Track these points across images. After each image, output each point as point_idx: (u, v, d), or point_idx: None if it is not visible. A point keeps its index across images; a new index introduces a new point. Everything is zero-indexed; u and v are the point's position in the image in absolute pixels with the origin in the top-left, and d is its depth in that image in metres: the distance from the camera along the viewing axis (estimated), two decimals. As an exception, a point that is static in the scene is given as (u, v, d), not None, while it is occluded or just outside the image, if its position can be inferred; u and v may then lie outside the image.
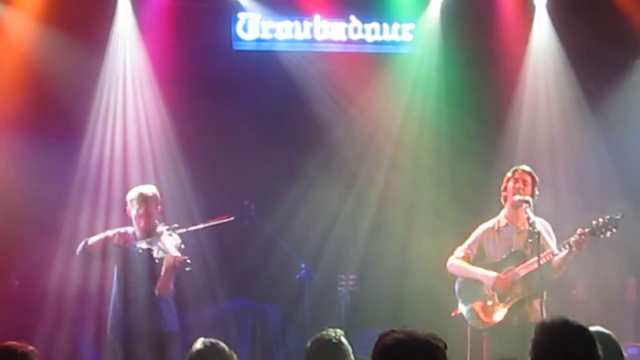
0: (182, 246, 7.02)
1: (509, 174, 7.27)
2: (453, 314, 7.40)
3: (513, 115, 9.49)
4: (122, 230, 7.07)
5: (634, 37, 9.45)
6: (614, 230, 7.00)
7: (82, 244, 7.08)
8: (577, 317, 3.93)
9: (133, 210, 7.06)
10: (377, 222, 9.32)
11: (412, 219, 9.33)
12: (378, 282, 9.05)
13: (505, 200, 7.30)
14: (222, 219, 7.28)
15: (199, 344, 4.91)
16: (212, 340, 4.94)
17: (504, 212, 7.33)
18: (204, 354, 4.86)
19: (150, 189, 7.15)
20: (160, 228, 7.05)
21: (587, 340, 3.69)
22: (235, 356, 4.92)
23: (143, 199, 7.04)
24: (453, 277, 7.40)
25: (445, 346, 3.37)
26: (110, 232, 7.09)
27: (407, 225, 9.31)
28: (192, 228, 7.18)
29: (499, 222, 7.33)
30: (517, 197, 7.12)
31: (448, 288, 7.53)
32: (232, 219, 7.31)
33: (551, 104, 9.56)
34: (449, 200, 9.28)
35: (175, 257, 6.89)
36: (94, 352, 8.43)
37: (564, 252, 6.99)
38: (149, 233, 7.02)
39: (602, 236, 7.03)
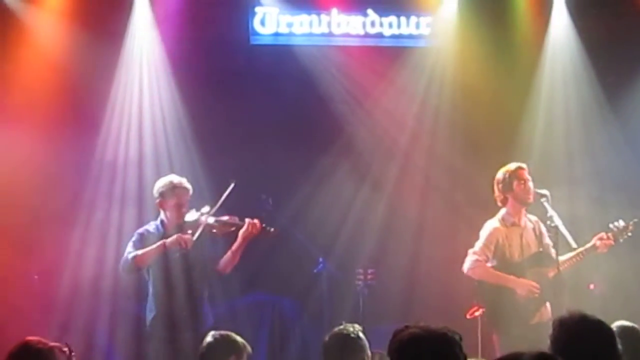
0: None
1: (511, 171, 7.20)
2: (469, 316, 7.36)
3: (530, 109, 9.43)
4: (180, 235, 6.86)
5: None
6: (630, 234, 7.25)
7: (128, 262, 6.85)
8: (594, 311, 3.92)
9: (166, 200, 6.97)
10: (394, 215, 9.30)
11: (427, 214, 9.31)
12: (395, 277, 9.03)
13: (506, 199, 7.23)
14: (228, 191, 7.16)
15: (209, 337, 4.93)
16: (223, 332, 4.96)
17: (506, 210, 7.25)
18: (213, 347, 4.88)
19: (178, 178, 7.08)
20: (192, 215, 7.00)
21: (606, 335, 3.68)
22: (248, 348, 4.93)
23: (174, 187, 6.98)
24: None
25: (461, 338, 3.38)
26: (166, 241, 6.87)
27: (423, 220, 9.29)
28: (217, 205, 7.03)
29: (504, 219, 7.25)
30: (538, 191, 7.11)
31: (462, 284, 7.52)
32: (233, 184, 7.16)
33: (569, 98, 9.48)
34: (463, 194, 9.26)
35: (251, 223, 6.88)
36: (109, 345, 8.47)
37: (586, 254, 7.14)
38: (180, 224, 6.96)
39: (620, 240, 7.26)
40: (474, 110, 9.29)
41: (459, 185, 9.33)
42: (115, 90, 8.79)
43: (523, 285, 7.07)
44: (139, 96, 8.88)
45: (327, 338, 4.75)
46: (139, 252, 6.87)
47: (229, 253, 7.03)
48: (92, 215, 8.53)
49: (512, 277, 7.11)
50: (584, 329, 3.69)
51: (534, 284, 7.06)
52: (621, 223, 7.25)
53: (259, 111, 8.99)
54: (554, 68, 9.49)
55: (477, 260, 7.18)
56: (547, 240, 7.20)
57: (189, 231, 6.92)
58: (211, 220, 7.00)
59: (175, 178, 7.10)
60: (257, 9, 9.17)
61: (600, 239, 7.15)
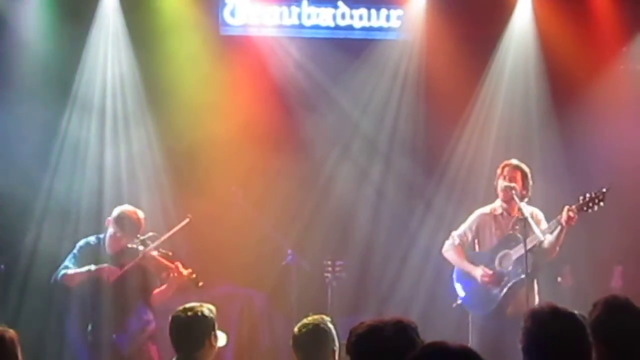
0: (170, 253, 6.94)
1: (499, 170, 7.28)
2: (455, 305, 7.40)
3: (476, 107, 9.42)
4: (109, 268, 6.82)
5: (620, 25, 9.41)
6: (602, 204, 6.87)
7: (60, 274, 6.87)
8: (563, 304, 3.94)
9: (111, 228, 6.90)
10: (361, 208, 9.33)
11: (385, 206, 9.38)
12: (364, 269, 9.07)
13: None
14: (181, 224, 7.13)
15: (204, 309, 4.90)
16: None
17: (499, 202, 7.34)
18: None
19: (130, 212, 6.94)
20: (134, 243, 6.92)
21: (577, 327, 3.69)
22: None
23: (122, 219, 6.89)
24: (440, 266, 7.43)
25: (416, 325, 3.51)
26: (92, 267, 6.81)
27: (383, 211, 9.35)
28: (162, 238, 6.99)
29: (494, 209, 7.35)
30: (504, 184, 7.14)
31: (436, 276, 7.56)
32: (188, 220, 7.15)
33: (524, 94, 9.39)
34: (419, 192, 9.32)
35: (182, 274, 6.78)
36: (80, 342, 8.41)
37: (556, 231, 6.95)
38: (118, 252, 6.92)
39: (590, 210, 6.90)
40: (435, 107, 9.30)
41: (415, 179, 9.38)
42: (78, 79, 8.72)
43: (476, 272, 7.14)
44: (102, 88, 8.80)
45: (296, 329, 4.75)
46: (70, 271, 6.84)
47: (160, 290, 6.94)
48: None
49: (469, 264, 7.23)
50: (555, 321, 3.70)
51: (487, 270, 7.10)
52: (592, 192, 6.87)
53: (228, 103, 8.95)
54: (503, 67, 9.42)
55: (452, 242, 7.37)
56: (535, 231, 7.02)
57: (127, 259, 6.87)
58: (149, 254, 6.88)
59: (126, 211, 6.96)
60: (227, 0, 9.13)
61: (566, 211, 6.87)
